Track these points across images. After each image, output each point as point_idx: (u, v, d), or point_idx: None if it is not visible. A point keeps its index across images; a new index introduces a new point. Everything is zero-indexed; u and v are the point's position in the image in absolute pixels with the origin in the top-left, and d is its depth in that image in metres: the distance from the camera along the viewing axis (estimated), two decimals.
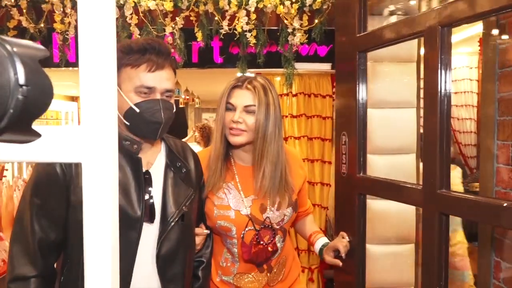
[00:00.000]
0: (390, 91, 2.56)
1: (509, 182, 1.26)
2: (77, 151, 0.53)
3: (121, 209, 1.11)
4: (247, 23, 3.19)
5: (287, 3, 3.18)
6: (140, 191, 1.18)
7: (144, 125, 1.16)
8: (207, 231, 1.46)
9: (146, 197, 1.20)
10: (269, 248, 1.47)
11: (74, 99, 9.33)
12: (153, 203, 1.22)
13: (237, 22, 3.20)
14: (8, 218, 1.86)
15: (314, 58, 3.35)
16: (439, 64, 0.93)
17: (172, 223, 1.23)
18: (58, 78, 5.66)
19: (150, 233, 1.21)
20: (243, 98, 1.43)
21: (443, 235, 0.95)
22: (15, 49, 0.39)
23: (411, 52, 2.58)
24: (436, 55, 0.93)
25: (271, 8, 3.20)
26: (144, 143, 1.24)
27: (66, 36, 3.23)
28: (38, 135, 0.46)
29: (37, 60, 0.43)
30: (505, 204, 0.80)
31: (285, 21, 3.24)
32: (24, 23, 3.17)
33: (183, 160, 1.33)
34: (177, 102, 7.09)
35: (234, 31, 3.22)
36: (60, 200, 1.12)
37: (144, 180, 1.20)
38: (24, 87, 0.38)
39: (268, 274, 1.52)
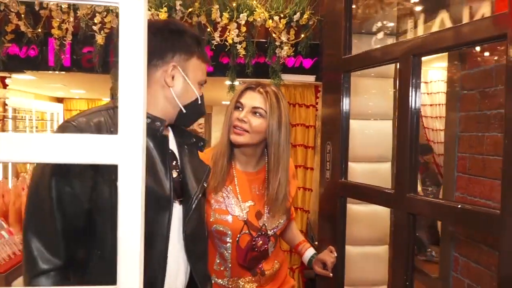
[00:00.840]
0: (369, 103, 2.72)
1: (466, 188, 1.42)
2: (114, 155, 0.64)
3: (151, 190, 1.06)
4: (238, 35, 3.33)
5: (276, 18, 3.33)
6: (166, 170, 1.13)
7: (195, 115, 1.21)
8: None
9: (174, 174, 1.17)
10: (264, 254, 1.51)
11: (60, 100, 9.31)
12: (179, 180, 1.19)
13: (228, 34, 3.33)
14: (16, 214, 1.93)
15: (300, 70, 3.50)
16: (410, 86, 1.07)
17: (196, 200, 1.19)
18: (48, 81, 5.69)
19: (176, 212, 1.17)
20: (253, 99, 1.45)
21: (411, 232, 1.10)
22: None
23: (389, 68, 2.75)
24: (408, 79, 1.08)
25: (261, 22, 3.34)
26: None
27: (63, 41, 3.29)
28: None
29: None
30: (459, 206, 0.95)
31: (273, 34, 3.39)
32: (22, 28, 3.23)
33: (197, 137, 1.30)
34: None
35: (225, 42, 3.35)
36: (83, 184, 1.00)
37: (169, 157, 1.16)
38: None
39: (261, 277, 1.54)
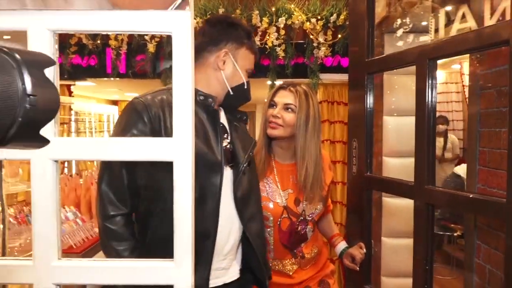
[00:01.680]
0: (403, 100, 2.76)
1: (486, 180, 1.48)
2: (171, 154, 0.81)
3: (205, 156, 1.24)
4: (277, 38, 3.46)
5: (313, 20, 3.43)
6: (218, 138, 1.30)
7: (241, 98, 1.38)
8: None
9: (224, 143, 1.34)
10: (305, 236, 1.66)
11: (115, 103, 9.87)
12: (230, 149, 1.36)
13: (268, 37, 3.48)
14: (86, 205, 2.22)
15: (338, 69, 3.58)
16: (427, 87, 1.17)
17: (243, 167, 1.35)
18: (106, 86, 6.11)
19: (227, 177, 1.34)
20: (284, 97, 1.62)
21: (429, 221, 1.19)
22: (22, 59, 0.37)
23: None
24: (424, 80, 1.17)
25: (299, 24, 3.46)
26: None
27: (119, 51, 3.59)
28: (46, 141, 0.49)
29: (43, 69, 0.41)
30: (471, 196, 1.04)
31: (311, 36, 3.49)
32: (84, 40, 3.56)
33: (242, 112, 1.47)
34: None
35: (265, 45, 3.50)
36: None
37: (220, 130, 1.34)
38: (31, 96, 0.36)
39: (302, 260, 1.68)
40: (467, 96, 4.99)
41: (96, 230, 2.26)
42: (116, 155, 0.86)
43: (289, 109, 1.61)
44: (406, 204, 2.86)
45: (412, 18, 2.46)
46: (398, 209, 2.78)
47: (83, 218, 2.14)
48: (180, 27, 0.81)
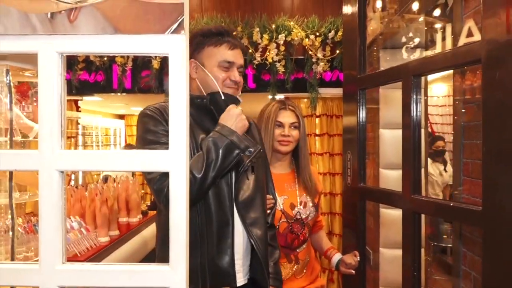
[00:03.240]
0: (399, 114, 2.80)
1: (470, 190, 1.52)
2: (167, 165, 0.87)
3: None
4: (277, 54, 3.55)
5: (312, 36, 3.52)
6: None
7: (220, 105, 1.38)
8: (273, 200, 1.65)
9: None
10: (301, 237, 1.77)
11: (121, 117, 10.00)
12: None
13: (268, 53, 3.57)
14: (91, 215, 2.29)
15: (336, 83, 3.66)
16: (412, 102, 1.23)
17: (242, 171, 1.37)
18: (112, 101, 6.22)
19: (227, 181, 1.36)
20: (289, 117, 1.80)
21: (416, 229, 1.23)
22: None
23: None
24: (409, 95, 1.23)
25: (298, 41, 3.55)
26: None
27: (125, 67, 3.69)
28: None
29: None
30: (451, 204, 1.09)
31: (310, 52, 3.58)
32: (91, 57, 3.67)
33: (247, 119, 1.44)
34: None
35: (266, 61, 3.58)
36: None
37: None
38: None
39: (295, 266, 1.77)
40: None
41: (101, 239, 2.33)
42: (117, 166, 0.92)
43: (295, 127, 1.81)
44: (393, 213, 2.90)
45: (407, 34, 2.53)
46: (395, 220, 2.81)
47: (88, 228, 2.21)
48: (176, 49, 0.87)
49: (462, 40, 1.65)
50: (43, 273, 0.86)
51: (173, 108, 0.88)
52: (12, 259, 1.09)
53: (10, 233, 1.07)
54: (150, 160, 0.89)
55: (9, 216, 1.04)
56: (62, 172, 0.87)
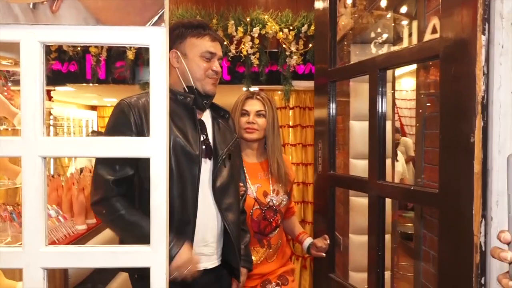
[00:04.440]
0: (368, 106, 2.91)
1: (430, 176, 1.64)
2: (148, 151, 0.91)
3: (184, 148, 1.36)
4: (252, 47, 3.60)
5: (286, 30, 3.58)
6: (196, 133, 1.42)
7: (203, 96, 1.48)
8: (244, 187, 1.76)
9: (202, 138, 1.44)
10: (273, 224, 1.84)
11: (94, 108, 9.81)
12: (209, 143, 1.46)
13: (243, 46, 3.61)
14: (68, 204, 2.29)
15: (309, 76, 3.74)
16: (377, 94, 1.31)
17: (221, 160, 1.46)
18: (85, 91, 6.10)
19: (207, 169, 1.45)
20: (254, 105, 1.84)
21: (381, 212, 1.33)
22: None
23: (388, 74, 2.94)
24: (376, 88, 1.32)
25: (272, 34, 3.60)
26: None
27: (99, 58, 3.64)
28: None
29: None
30: (412, 188, 1.18)
31: (284, 45, 3.64)
32: (64, 47, 3.60)
33: (225, 110, 1.59)
34: None
35: (240, 53, 3.63)
36: None
37: (199, 125, 1.44)
38: None
39: (268, 250, 1.84)
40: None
41: (78, 227, 2.34)
42: (99, 152, 0.95)
43: (261, 115, 1.84)
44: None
45: (375, 30, 2.63)
46: (363, 207, 2.92)
47: (65, 216, 2.22)
48: (156, 41, 0.91)
49: (427, 37, 1.75)
50: (27, 255, 0.89)
51: (154, 97, 0.92)
52: None
53: None
54: (131, 147, 0.93)
55: None
56: (44, 158, 0.90)
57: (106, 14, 0.93)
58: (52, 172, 4.92)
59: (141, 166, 1.36)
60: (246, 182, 1.81)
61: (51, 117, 4.61)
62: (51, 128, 5.98)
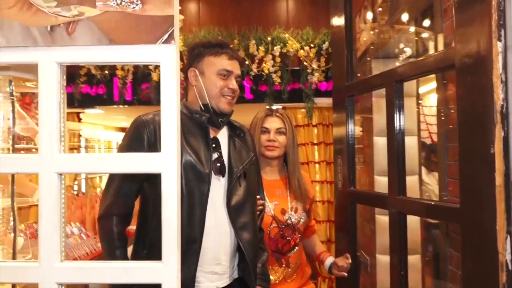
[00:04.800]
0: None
1: (454, 191, 1.57)
2: (159, 167, 0.91)
3: (194, 166, 1.37)
4: (273, 66, 3.63)
5: (307, 48, 3.60)
6: (208, 152, 1.41)
7: (218, 114, 1.48)
8: (263, 201, 1.71)
9: (215, 156, 1.44)
10: (292, 242, 1.79)
11: (123, 129, 10.08)
12: (222, 161, 1.45)
13: (264, 64, 3.64)
14: (91, 222, 2.34)
15: (332, 93, 3.71)
16: (394, 107, 1.28)
17: (236, 177, 1.45)
18: (114, 113, 6.29)
19: (221, 186, 1.44)
20: (274, 123, 1.83)
21: (402, 229, 1.27)
22: None
23: (411, 89, 2.89)
24: (392, 101, 1.29)
25: (293, 52, 3.63)
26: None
27: (125, 80, 3.76)
28: None
29: None
30: (432, 203, 1.13)
31: (305, 62, 3.65)
32: (93, 71, 3.75)
33: (242, 130, 1.58)
34: None
35: (262, 72, 3.66)
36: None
37: (212, 143, 1.44)
38: None
39: (287, 269, 1.79)
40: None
41: (99, 245, 2.37)
42: (112, 168, 0.97)
43: (281, 133, 1.83)
44: None
45: (397, 44, 2.60)
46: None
47: (88, 234, 2.27)
48: (167, 58, 0.93)
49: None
50: (42, 270, 0.90)
51: (164, 113, 0.93)
52: (14, 258, 1.14)
53: (12, 234, 1.12)
54: (143, 162, 0.94)
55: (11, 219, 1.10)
56: (60, 174, 0.92)
57: (119, 34, 0.96)
58: (84, 188, 5.06)
59: (147, 183, 1.40)
60: (265, 200, 1.77)
61: (82, 139, 4.77)
62: (82, 150, 6.18)
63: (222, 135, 1.54)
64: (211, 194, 1.39)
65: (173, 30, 0.93)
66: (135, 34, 0.94)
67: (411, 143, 2.91)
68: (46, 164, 0.92)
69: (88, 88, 3.90)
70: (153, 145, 1.36)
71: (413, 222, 2.86)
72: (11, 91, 1.20)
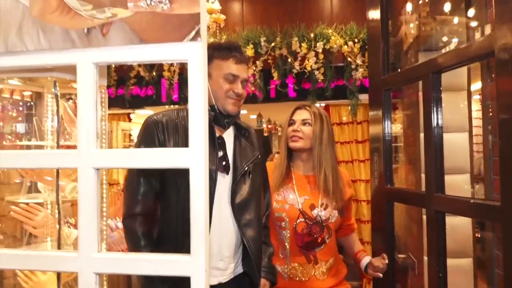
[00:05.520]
0: (443, 117, 2.72)
1: (497, 189, 1.46)
2: (187, 162, 0.93)
3: None
4: (316, 62, 3.58)
5: (350, 43, 3.52)
6: (214, 149, 1.46)
7: (224, 116, 1.54)
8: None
9: (220, 154, 1.49)
10: (319, 240, 1.76)
11: None
12: (227, 159, 1.51)
13: (307, 62, 3.61)
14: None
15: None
16: (432, 100, 1.22)
17: (240, 176, 1.50)
18: None
19: (226, 184, 1.50)
20: (300, 114, 1.84)
21: (440, 228, 1.21)
22: None
23: (462, 82, 2.74)
24: (429, 94, 1.23)
25: (337, 48, 3.56)
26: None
27: (172, 81, 3.89)
28: None
29: None
30: (472, 201, 1.06)
31: (349, 58, 3.57)
32: (142, 73, 3.91)
33: (247, 130, 1.63)
34: (261, 131, 7.66)
35: (305, 69, 3.63)
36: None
37: (218, 142, 1.50)
38: None
39: (315, 266, 1.77)
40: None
41: None
42: (143, 163, 1.01)
43: (306, 124, 1.81)
44: (449, 222, 2.78)
45: (442, 36, 2.47)
46: None
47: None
48: (194, 55, 0.95)
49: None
50: (81, 260, 0.95)
51: (192, 109, 0.95)
52: (59, 248, 1.23)
53: (57, 226, 1.20)
54: (172, 158, 0.97)
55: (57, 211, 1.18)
56: (97, 169, 0.97)
57: (149, 33, 1.00)
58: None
59: (167, 179, 1.44)
60: (293, 192, 1.80)
61: (132, 138, 5.00)
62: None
63: (228, 135, 1.59)
64: (216, 191, 1.44)
65: (199, 27, 0.95)
66: (163, 33, 0.97)
67: (461, 140, 2.76)
68: (83, 160, 0.97)
69: (138, 90, 4.07)
70: (163, 144, 1.43)
71: (464, 223, 2.72)
72: (56, 91, 1.29)
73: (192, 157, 0.95)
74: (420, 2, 2.52)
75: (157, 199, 1.48)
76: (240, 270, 1.54)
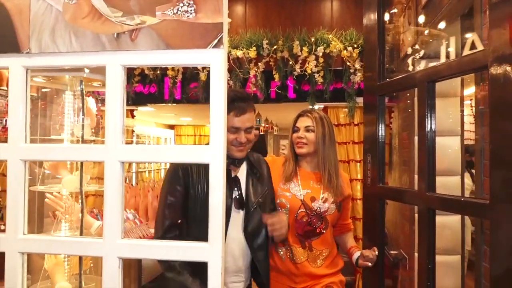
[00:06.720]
0: (437, 122, 2.82)
1: (487, 190, 1.56)
2: (208, 157, 1.01)
3: None
4: (316, 66, 3.67)
5: (350, 48, 3.61)
6: (230, 189, 1.65)
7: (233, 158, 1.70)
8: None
9: (235, 193, 1.66)
10: (317, 230, 1.90)
11: (171, 127, 10.46)
12: (242, 198, 1.68)
13: (307, 65, 3.69)
14: (143, 209, 2.55)
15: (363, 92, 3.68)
16: (426, 107, 1.31)
17: (252, 209, 1.68)
18: (164, 111, 6.59)
19: (240, 217, 1.67)
20: (303, 122, 1.97)
21: (431, 223, 1.30)
22: None
23: (455, 89, 2.84)
24: (424, 101, 1.32)
25: (336, 52, 3.65)
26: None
27: (175, 80, 3.96)
28: None
29: None
30: (462, 199, 1.15)
31: (348, 63, 3.66)
32: (146, 71, 3.97)
33: (258, 168, 1.80)
34: (258, 130, 7.75)
35: (305, 72, 3.71)
36: (182, 193, 1.60)
37: (233, 181, 1.68)
38: None
39: (309, 252, 1.90)
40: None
41: (151, 230, 2.57)
42: (166, 157, 1.09)
43: (309, 130, 1.95)
44: (439, 220, 2.88)
45: (439, 45, 2.56)
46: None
47: (141, 220, 2.47)
48: (216, 60, 1.03)
49: (466, 53, 1.68)
50: (106, 245, 1.02)
51: (213, 109, 1.03)
52: (81, 234, 1.30)
53: (80, 214, 1.28)
54: (194, 154, 1.05)
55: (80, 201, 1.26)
56: (122, 163, 1.04)
57: (175, 39, 1.07)
58: (134, 182, 5.35)
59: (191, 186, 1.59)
60: (297, 186, 1.93)
61: (134, 134, 5.06)
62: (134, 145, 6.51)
63: (241, 172, 1.74)
64: (231, 223, 1.62)
65: (222, 36, 1.03)
66: (188, 40, 1.05)
67: (453, 144, 2.86)
68: (111, 153, 1.04)
69: (141, 87, 4.13)
70: (186, 182, 1.58)
71: (454, 222, 2.82)
72: (81, 89, 1.37)
73: (211, 154, 1.03)
74: (421, 10, 2.61)
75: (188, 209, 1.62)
76: (249, 282, 1.74)
